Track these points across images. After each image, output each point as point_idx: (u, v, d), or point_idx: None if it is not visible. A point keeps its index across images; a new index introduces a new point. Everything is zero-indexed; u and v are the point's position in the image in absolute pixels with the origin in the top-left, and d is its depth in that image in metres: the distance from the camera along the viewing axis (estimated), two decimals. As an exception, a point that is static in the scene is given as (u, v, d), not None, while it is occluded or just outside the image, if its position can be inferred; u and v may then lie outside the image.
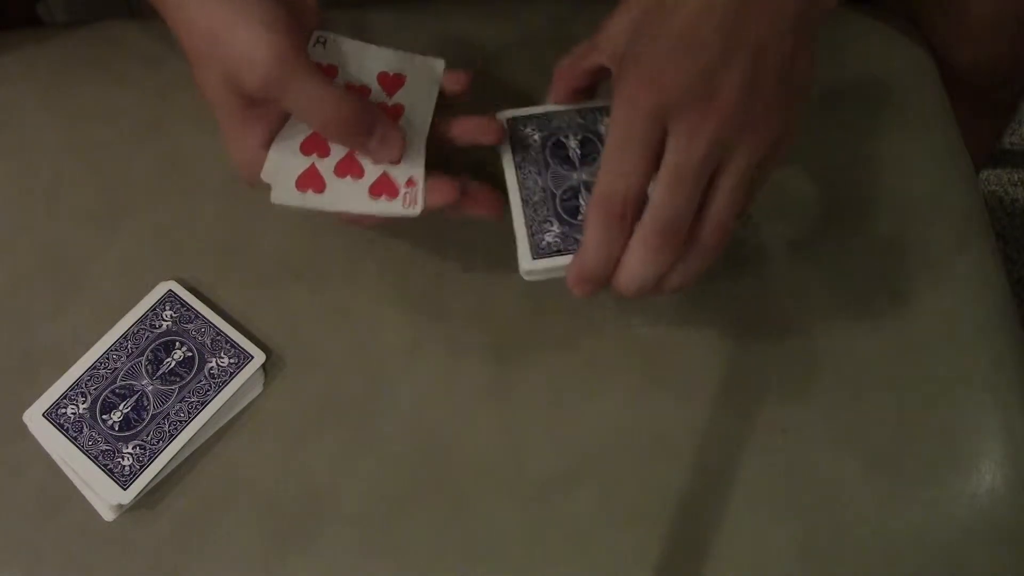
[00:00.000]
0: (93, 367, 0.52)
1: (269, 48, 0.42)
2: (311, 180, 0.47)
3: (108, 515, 0.49)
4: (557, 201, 0.48)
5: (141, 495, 0.49)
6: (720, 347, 0.53)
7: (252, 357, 0.52)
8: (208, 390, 0.51)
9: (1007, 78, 0.70)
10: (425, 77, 0.49)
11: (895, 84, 0.61)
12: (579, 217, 0.48)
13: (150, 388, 0.51)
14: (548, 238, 0.47)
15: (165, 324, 0.53)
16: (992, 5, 0.64)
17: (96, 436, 0.50)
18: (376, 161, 0.47)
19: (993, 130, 0.84)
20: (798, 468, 0.51)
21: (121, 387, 0.51)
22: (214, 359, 0.52)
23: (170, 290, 0.53)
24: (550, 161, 0.49)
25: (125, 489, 0.49)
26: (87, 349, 0.52)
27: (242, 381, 0.51)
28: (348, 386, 0.53)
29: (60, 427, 0.50)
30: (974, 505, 0.50)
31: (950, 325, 0.54)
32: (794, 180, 0.58)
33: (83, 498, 0.50)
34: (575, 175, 0.49)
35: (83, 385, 0.51)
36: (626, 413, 0.52)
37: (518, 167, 0.49)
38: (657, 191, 0.42)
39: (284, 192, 0.46)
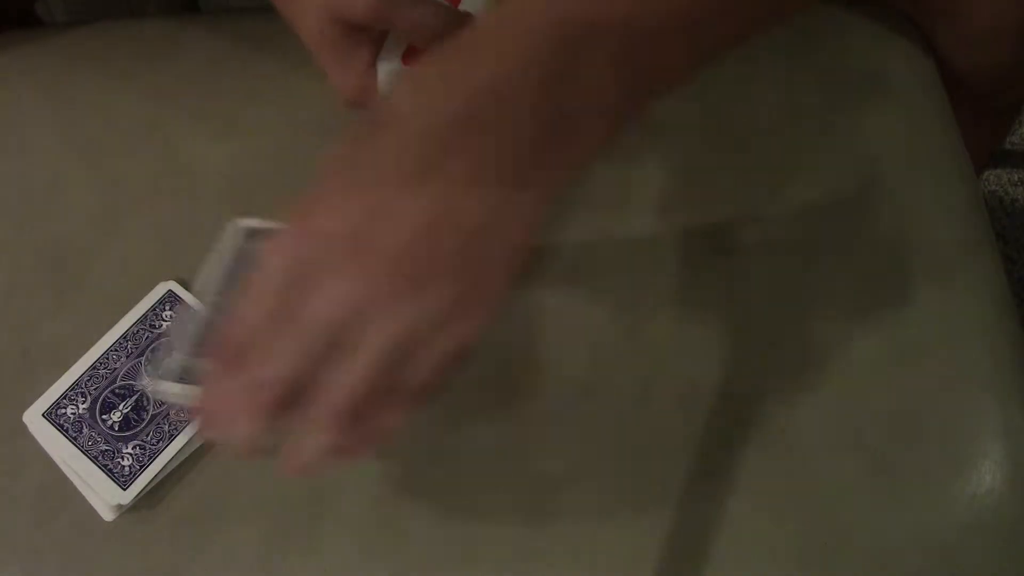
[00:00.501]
0: (93, 367, 0.52)
1: None
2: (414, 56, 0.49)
3: (108, 515, 0.49)
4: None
5: (141, 495, 0.49)
6: (719, 347, 0.53)
7: (252, 358, 0.52)
8: None
9: (1008, 84, 0.70)
10: None
11: (895, 84, 0.61)
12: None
13: (150, 388, 0.51)
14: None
15: (165, 324, 0.53)
16: (992, 12, 0.64)
17: (96, 436, 0.50)
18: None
19: (994, 134, 0.84)
20: (798, 468, 0.51)
21: (121, 387, 0.51)
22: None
23: (170, 290, 0.53)
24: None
25: (125, 489, 0.49)
26: (87, 349, 0.52)
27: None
28: (348, 386, 0.53)
29: (60, 427, 0.50)
30: (974, 505, 0.50)
31: (950, 325, 0.54)
32: (794, 180, 0.58)
33: (83, 498, 0.50)
34: None
35: (83, 385, 0.51)
36: (626, 413, 0.52)
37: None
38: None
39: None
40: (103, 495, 0.49)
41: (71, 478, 0.50)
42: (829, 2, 0.64)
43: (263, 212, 0.56)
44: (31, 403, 0.51)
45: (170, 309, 0.53)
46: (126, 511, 0.50)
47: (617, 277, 0.55)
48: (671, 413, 0.52)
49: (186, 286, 0.54)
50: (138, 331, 0.53)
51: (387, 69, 0.49)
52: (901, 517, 0.50)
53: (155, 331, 0.52)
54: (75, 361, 0.52)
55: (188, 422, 0.50)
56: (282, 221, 0.37)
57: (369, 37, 0.49)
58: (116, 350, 0.52)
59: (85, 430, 0.50)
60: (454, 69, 0.37)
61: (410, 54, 0.50)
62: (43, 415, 0.51)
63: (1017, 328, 0.55)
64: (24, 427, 0.51)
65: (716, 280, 0.55)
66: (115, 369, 0.52)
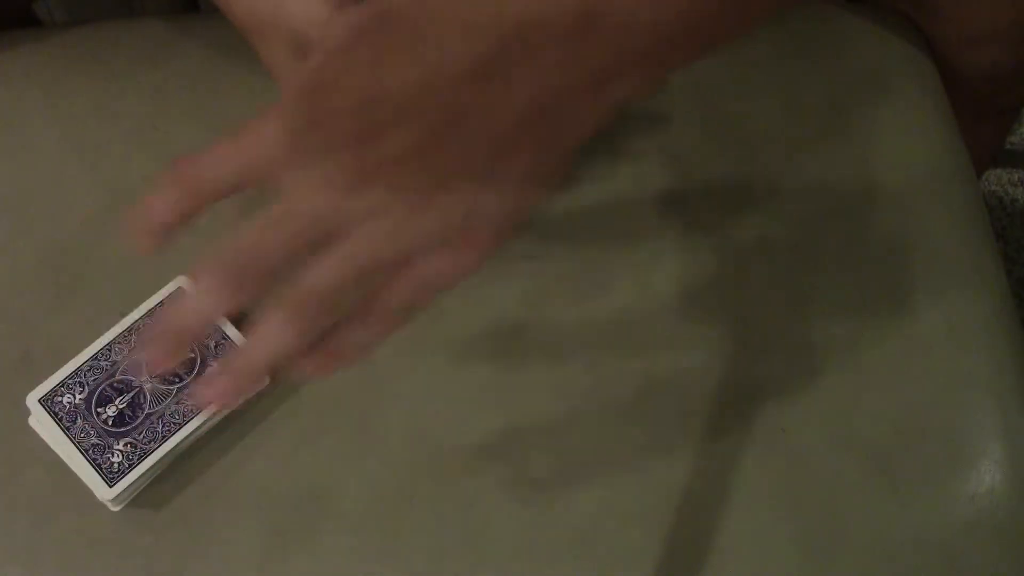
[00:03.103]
0: (94, 357, 0.51)
1: (325, 5, 0.43)
2: None
3: (112, 505, 0.49)
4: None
5: (127, 494, 0.49)
6: (720, 347, 0.53)
7: (253, 363, 0.52)
8: None
9: (1008, 85, 0.70)
10: None
11: (895, 84, 0.61)
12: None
13: (148, 386, 0.51)
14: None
15: None
16: (991, 13, 0.64)
17: (88, 428, 0.50)
18: None
19: (995, 134, 0.84)
20: (798, 468, 0.51)
21: (119, 381, 0.51)
22: (216, 363, 0.52)
23: (180, 287, 0.53)
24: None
25: (111, 486, 0.49)
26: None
27: (241, 387, 0.51)
28: (348, 386, 0.53)
29: (54, 415, 0.50)
30: (974, 505, 0.50)
31: (950, 325, 0.54)
32: (794, 180, 0.58)
33: (83, 498, 0.50)
34: None
35: (82, 375, 0.51)
36: (626, 413, 0.52)
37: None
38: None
39: None
40: (90, 489, 0.49)
41: (71, 467, 0.50)
42: (829, 2, 0.64)
43: (262, 212, 0.56)
44: (31, 404, 0.51)
45: (177, 307, 0.53)
46: (126, 510, 0.50)
47: (617, 277, 0.55)
48: (671, 413, 0.52)
49: (187, 286, 0.54)
50: (144, 326, 0.52)
51: None
52: (901, 517, 0.50)
53: (160, 328, 0.52)
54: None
55: (182, 425, 0.50)
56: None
57: None
58: (119, 343, 0.52)
59: (79, 421, 0.50)
60: None
61: None
62: (39, 401, 0.50)
63: (1017, 328, 0.55)
64: (24, 427, 0.51)
65: (716, 280, 0.55)
66: (116, 362, 0.51)
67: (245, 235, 0.35)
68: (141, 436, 0.50)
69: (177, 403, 0.51)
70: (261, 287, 0.36)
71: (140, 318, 0.52)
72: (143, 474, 0.49)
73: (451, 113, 0.33)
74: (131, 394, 0.51)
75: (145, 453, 0.49)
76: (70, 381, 0.51)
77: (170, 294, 0.53)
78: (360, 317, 0.37)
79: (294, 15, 0.45)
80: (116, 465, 0.49)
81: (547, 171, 0.35)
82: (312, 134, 0.34)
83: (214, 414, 0.51)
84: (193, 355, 0.52)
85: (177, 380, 0.51)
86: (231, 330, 0.52)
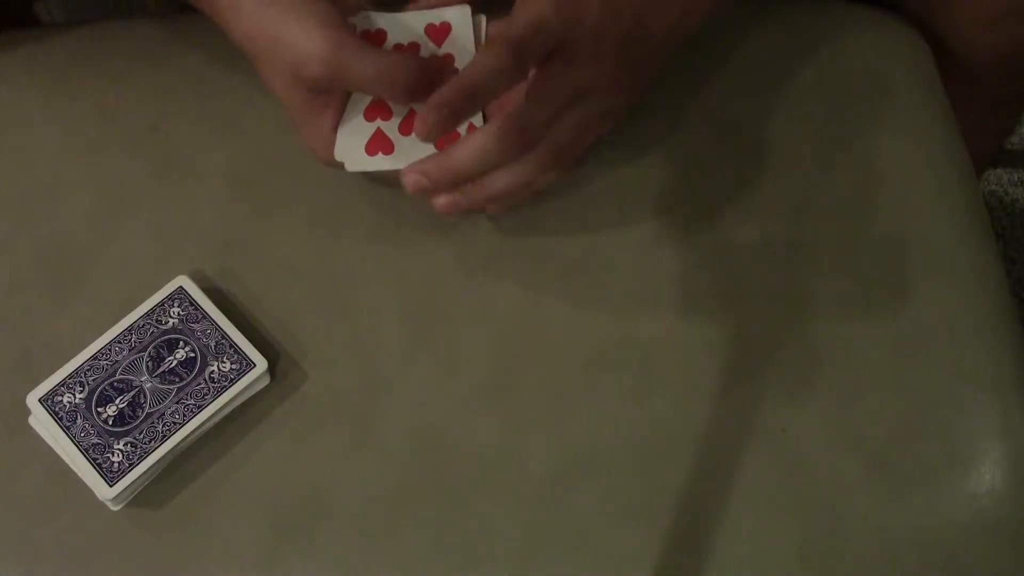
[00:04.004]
0: (94, 357, 0.51)
1: (324, 41, 0.45)
2: (379, 143, 0.50)
3: (112, 504, 0.49)
4: None
5: (127, 494, 0.49)
6: (720, 347, 0.53)
7: (254, 365, 0.52)
8: (206, 394, 0.51)
9: (1012, 72, 0.70)
10: (463, 25, 0.51)
11: (895, 84, 0.61)
12: None
13: (148, 385, 0.51)
14: None
15: (172, 321, 0.52)
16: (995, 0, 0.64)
17: (89, 428, 0.50)
18: None
19: (1008, 123, 0.84)
20: (798, 468, 0.51)
21: (120, 381, 0.51)
22: (216, 363, 0.52)
23: (180, 287, 0.53)
24: None
25: (111, 486, 0.49)
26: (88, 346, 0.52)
27: (241, 388, 0.51)
28: (348, 386, 0.53)
29: (55, 414, 0.50)
30: (974, 505, 0.50)
31: (950, 325, 0.54)
32: (794, 180, 0.58)
33: (83, 497, 0.50)
34: None
35: (82, 375, 0.51)
36: (626, 413, 0.52)
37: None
38: (528, 100, 0.47)
39: (356, 161, 0.50)
40: (89, 487, 0.49)
41: (71, 466, 0.50)
42: (829, 1, 0.64)
43: (264, 211, 0.57)
44: (31, 404, 0.51)
45: (178, 306, 0.53)
46: (126, 509, 0.50)
47: (617, 277, 0.55)
48: (671, 413, 0.52)
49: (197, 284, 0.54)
50: (144, 325, 0.52)
51: (345, 130, 0.49)
52: (901, 517, 0.50)
53: (160, 326, 0.52)
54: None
55: (182, 424, 0.50)
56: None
57: (334, 101, 0.49)
58: (119, 342, 0.52)
59: (79, 420, 0.50)
60: None
61: (374, 109, 0.50)
62: (39, 400, 0.50)
63: (1017, 328, 0.55)
64: (24, 427, 0.51)
65: (716, 280, 0.55)
66: (116, 362, 0.51)
67: (529, 107, 0.47)
68: (141, 436, 0.50)
69: (177, 403, 0.51)
70: (531, 145, 0.49)
71: (140, 318, 0.52)
72: (143, 474, 0.49)
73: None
74: (131, 394, 0.51)
75: (145, 453, 0.49)
76: (70, 381, 0.51)
77: (169, 294, 0.53)
78: (553, 163, 0.50)
79: (294, 47, 0.46)
80: (116, 465, 0.49)
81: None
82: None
83: (214, 414, 0.51)
84: (194, 355, 0.52)
85: (177, 380, 0.51)
86: (231, 330, 0.52)
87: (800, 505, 0.50)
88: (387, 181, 0.56)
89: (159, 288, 0.53)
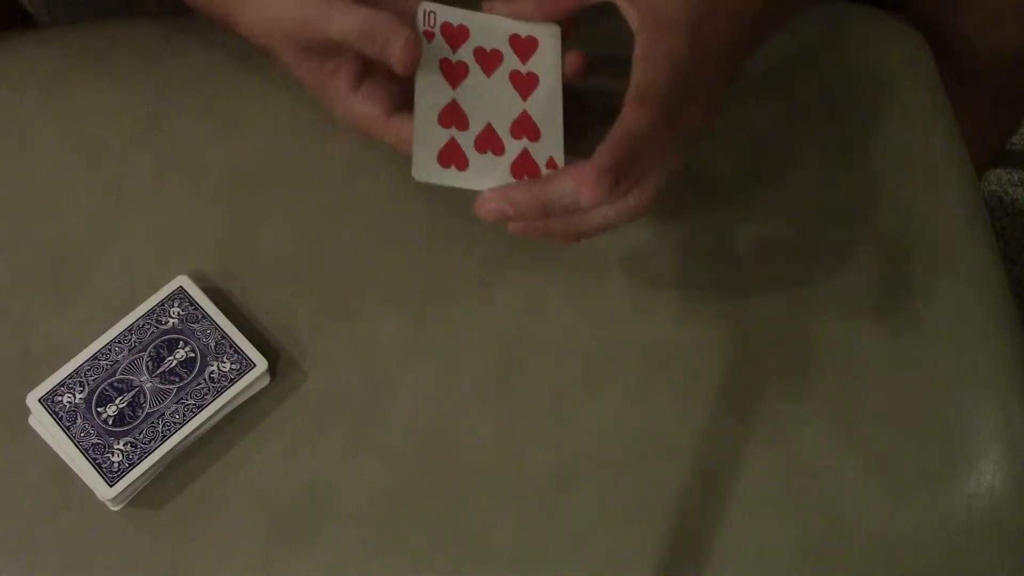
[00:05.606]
0: (94, 357, 0.51)
1: (300, 4, 0.46)
2: (453, 155, 0.46)
3: (111, 504, 0.49)
4: None
5: (127, 494, 0.49)
6: (720, 347, 0.53)
7: (254, 364, 0.52)
8: (206, 394, 0.51)
9: (1014, 70, 0.70)
10: (550, 44, 0.48)
11: (895, 84, 0.61)
12: None
13: (148, 385, 0.51)
14: None
15: (172, 321, 0.52)
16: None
17: (89, 428, 0.50)
18: (403, 74, 0.46)
19: (1011, 121, 0.84)
20: (798, 468, 0.51)
21: (120, 381, 0.51)
22: (216, 363, 0.52)
23: (180, 286, 0.53)
24: None
25: (111, 486, 0.49)
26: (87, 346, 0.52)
27: (241, 388, 0.51)
28: (348, 386, 0.53)
29: (55, 414, 0.50)
30: (974, 505, 0.50)
31: (950, 325, 0.54)
32: (794, 180, 0.58)
33: (83, 497, 0.50)
34: None
35: (82, 375, 0.51)
36: (626, 413, 0.52)
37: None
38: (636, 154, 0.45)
39: (427, 168, 0.45)
40: (90, 488, 0.49)
41: (71, 466, 0.50)
42: (830, 2, 0.64)
43: (264, 211, 0.56)
44: (31, 404, 0.51)
45: (178, 306, 0.53)
46: (126, 509, 0.50)
47: (617, 277, 0.55)
48: (671, 412, 0.52)
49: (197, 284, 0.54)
50: (144, 325, 0.52)
51: (421, 134, 0.46)
52: (901, 517, 0.50)
53: (160, 326, 0.52)
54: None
55: (182, 424, 0.50)
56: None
57: (345, 63, 0.48)
58: (119, 342, 0.52)
59: (79, 420, 0.50)
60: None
61: (450, 113, 0.47)
62: (39, 400, 0.50)
63: (1017, 328, 0.55)
64: (24, 427, 0.51)
65: (716, 280, 0.55)
66: (116, 362, 0.51)
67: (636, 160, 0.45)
68: (141, 436, 0.50)
69: (177, 403, 0.51)
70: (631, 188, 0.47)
71: (140, 318, 0.52)
72: (143, 474, 0.49)
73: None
74: (131, 394, 0.51)
75: (145, 453, 0.49)
76: (70, 381, 0.51)
77: (169, 294, 0.53)
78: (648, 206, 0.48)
79: (279, 17, 0.46)
80: (116, 464, 0.49)
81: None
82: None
83: (214, 414, 0.51)
84: (194, 355, 0.52)
85: (177, 380, 0.51)
86: (231, 330, 0.52)
87: (800, 505, 0.50)
88: (387, 181, 0.56)
89: (159, 288, 0.53)
